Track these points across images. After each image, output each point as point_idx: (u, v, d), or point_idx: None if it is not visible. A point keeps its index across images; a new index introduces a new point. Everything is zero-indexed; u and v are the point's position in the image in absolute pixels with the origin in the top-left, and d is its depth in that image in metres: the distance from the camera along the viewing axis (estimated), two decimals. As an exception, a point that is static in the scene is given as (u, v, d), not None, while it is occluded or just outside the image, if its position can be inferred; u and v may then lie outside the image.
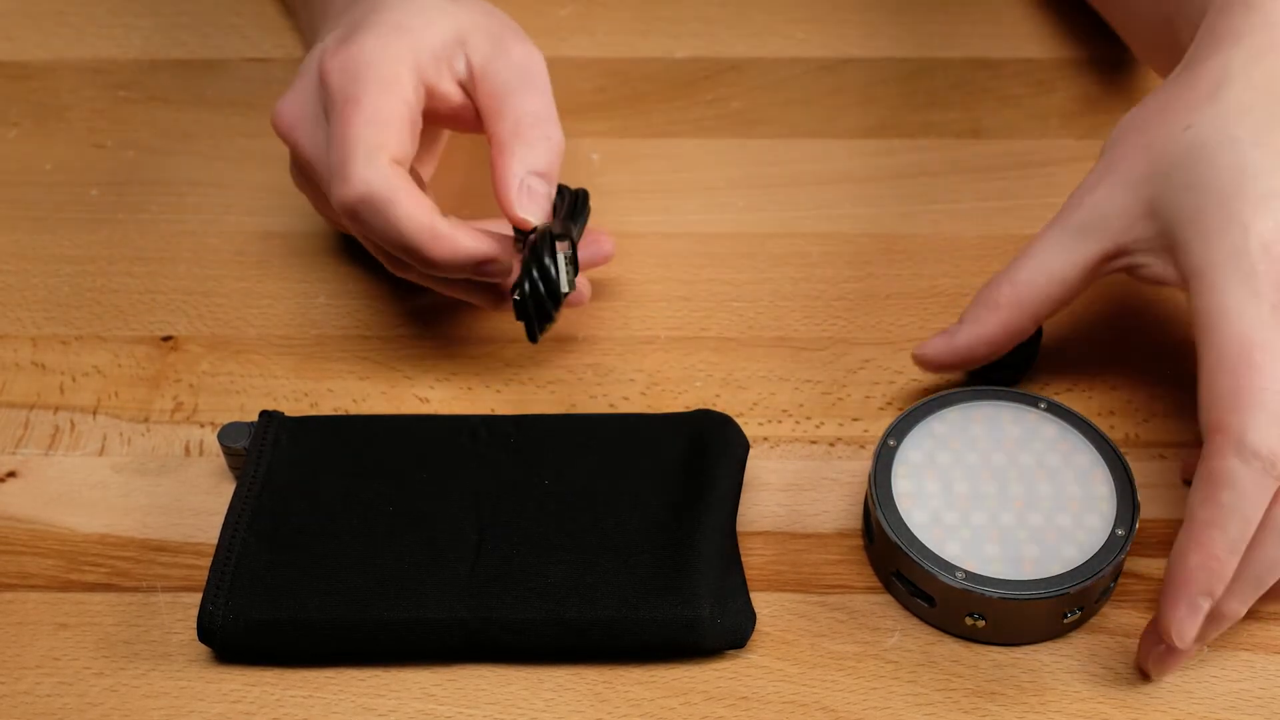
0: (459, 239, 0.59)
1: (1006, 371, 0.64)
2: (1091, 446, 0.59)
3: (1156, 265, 0.58)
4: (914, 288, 0.69)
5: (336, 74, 0.61)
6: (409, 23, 0.62)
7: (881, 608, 0.58)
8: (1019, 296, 0.60)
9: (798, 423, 0.64)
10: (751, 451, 0.61)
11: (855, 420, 0.64)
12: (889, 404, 0.64)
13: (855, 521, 0.60)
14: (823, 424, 0.64)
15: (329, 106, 0.61)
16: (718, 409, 0.62)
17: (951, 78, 0.78)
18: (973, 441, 0.59)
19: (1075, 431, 0.59)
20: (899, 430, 0.59)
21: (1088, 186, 0.59)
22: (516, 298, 0.60)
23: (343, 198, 0.59)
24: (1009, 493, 0.58)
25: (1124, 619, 0.57)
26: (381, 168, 0.59)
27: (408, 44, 0.62)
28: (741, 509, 0.60)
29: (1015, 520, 0.57)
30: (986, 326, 0.60)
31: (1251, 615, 0.57)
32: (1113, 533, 0.56)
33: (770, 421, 0.64)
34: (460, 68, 0.63)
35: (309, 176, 0.64)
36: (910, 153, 0.74)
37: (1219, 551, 0.52)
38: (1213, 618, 0.53)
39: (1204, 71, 0.58)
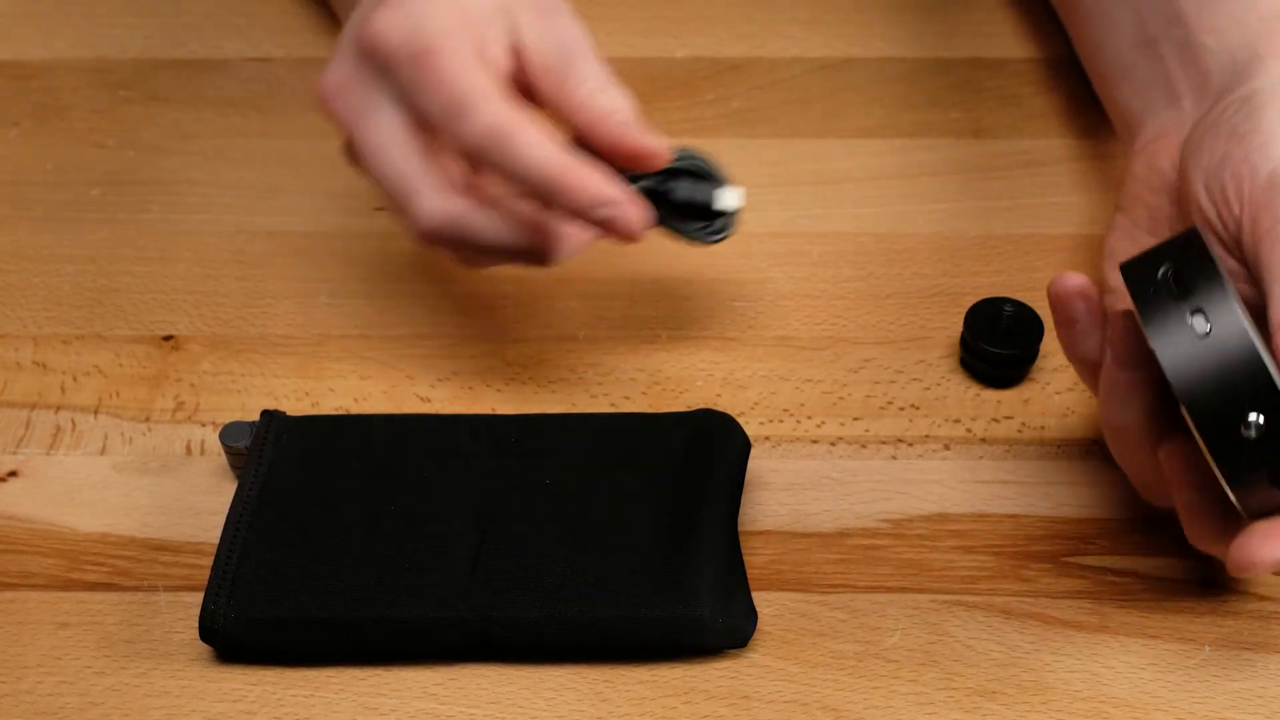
0: (593, 172, 0.57)
1: (1007, 370, 0.64)
2: None
3: None
4: (914, 288, 0.69)
5: (392, 33, 0.58)
6: None
7: (882, 607, 0.58)
8: None
9: (799, 422, 0.64)
10: (753, 451, 0.61)
11: (856, 420, 0.64)
12: (889, 403, 0.64)
13: (855, 520, 0.60)
14: (824, 423, 0.64)
15: (394, 66, 0.58)
16: (719, 408, 0.62)
17: (951, 78, 0.78)
18: None
19: None
20: None
21: None
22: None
23: (467, 133, 0.57)
24: None
25: (1126, 618, 0.57)
26: (500, 101, 0.57)
27: (455, 6, 0.60)
28: (743, 508, 0.60)
29: None
30: None
31: (1251, 615, 0.57)
32: None
33: (771, 421, 0.64)
34: (508, 36, 0.61)
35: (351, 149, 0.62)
36: (910, 153, 0.74)
37: None
38: None
39: None
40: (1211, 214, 0.59)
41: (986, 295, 0.66)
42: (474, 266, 0.64)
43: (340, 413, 0.64)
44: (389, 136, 0.59)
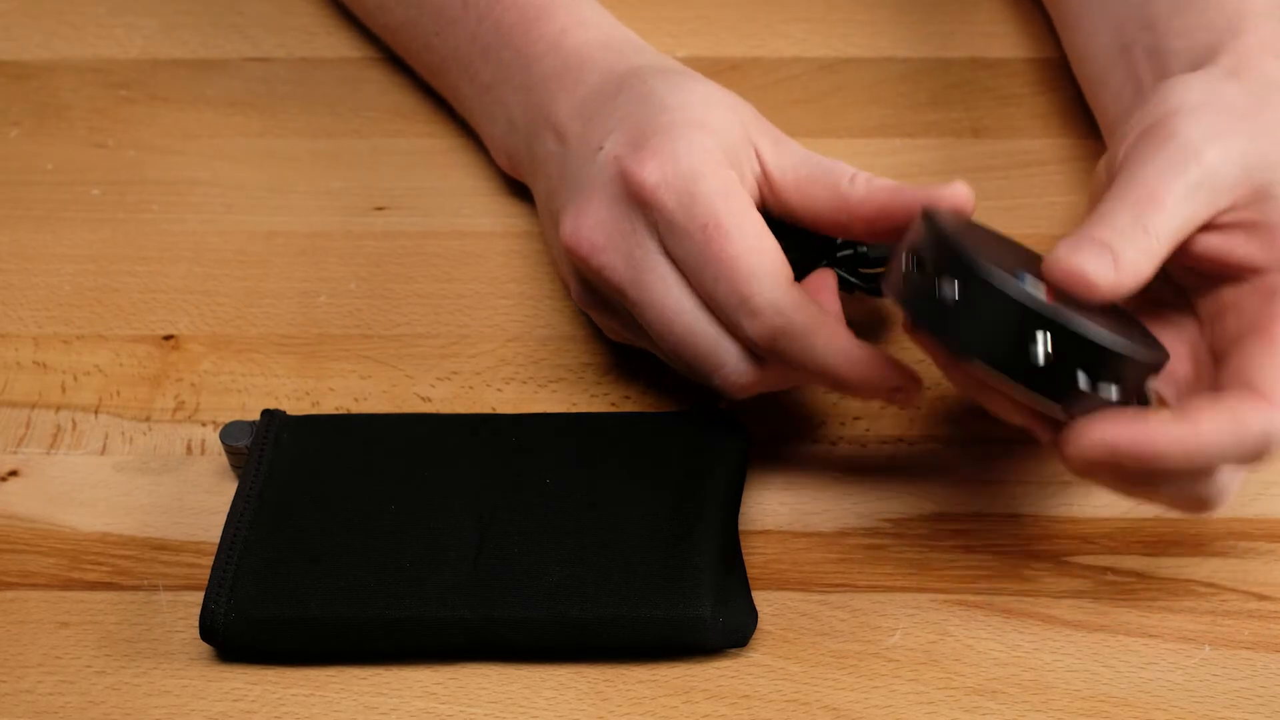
0: (882, 364, 0.56)
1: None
2: None
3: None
4: (914, 287, 0.68)
5: (664, 191, 0.57)
6: (705, 119, 0.59)
7: (882, 606, 0.58)
8: None
9: (799, 422, 0.64)
10: (753, 451, 0.61)
11: (856, 420, 0.64)
12: (889, 403, 0.64)
13: (856, 520, 0.60)
14: (824, 423, 0.64)
15: (670, 230, 0.57)
16: (719, 408, 0.62)
17: (952, 78, 0.78)
18: None
19: None
20: None
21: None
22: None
23: (759, 332, 0.56)
24: None
25: (1126, 618, 0.57)
26: (792, 295, 0.56)
27: (717, 144, 0.58)
28: (743, 508, 0.60)
29: None
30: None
31: (1251, 615, 0.58)
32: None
33: (771, 420, 0.64)
34: (756, 165, 0.60)
35: (609, 302, 0.60)
36: (910, 152, 0.74)
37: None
38: None
39: None
40: None
41: (986, 295, 0.66)
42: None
43: (340, 412, 0.64)
44: (677, 299, 0.58)
